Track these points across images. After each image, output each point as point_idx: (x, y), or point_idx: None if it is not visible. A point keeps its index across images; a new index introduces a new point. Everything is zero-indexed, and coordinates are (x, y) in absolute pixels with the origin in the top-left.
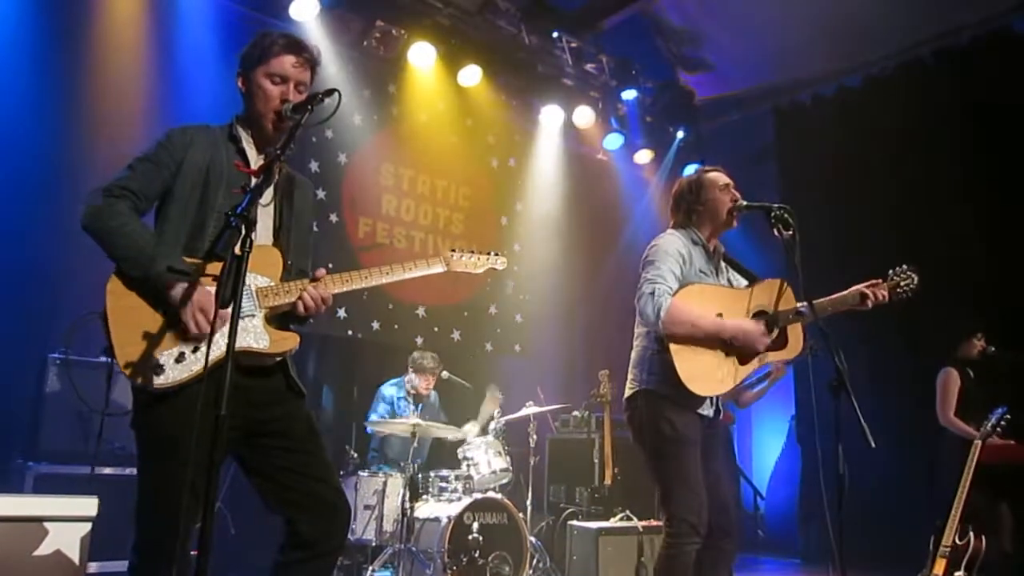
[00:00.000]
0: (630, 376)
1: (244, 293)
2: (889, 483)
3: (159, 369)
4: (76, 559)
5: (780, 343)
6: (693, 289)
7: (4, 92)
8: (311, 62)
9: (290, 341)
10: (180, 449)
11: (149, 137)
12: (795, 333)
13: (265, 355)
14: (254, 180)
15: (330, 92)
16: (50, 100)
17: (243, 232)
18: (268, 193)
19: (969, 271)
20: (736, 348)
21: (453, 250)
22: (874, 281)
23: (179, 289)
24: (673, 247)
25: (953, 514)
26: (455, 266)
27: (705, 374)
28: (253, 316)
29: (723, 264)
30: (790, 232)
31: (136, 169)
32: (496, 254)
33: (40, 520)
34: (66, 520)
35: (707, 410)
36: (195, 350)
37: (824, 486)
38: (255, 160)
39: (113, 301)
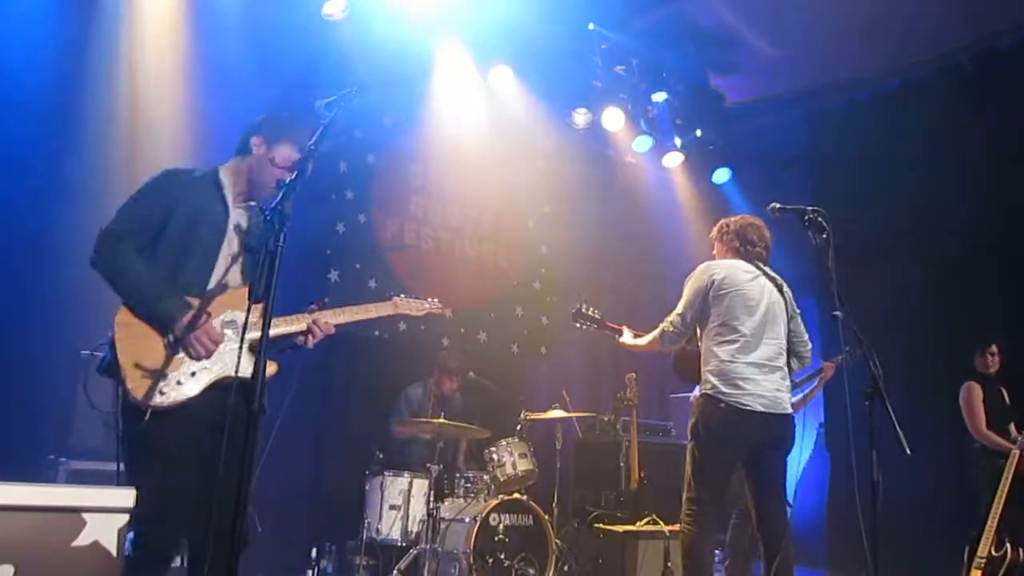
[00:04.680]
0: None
1: (227, 326)
2: (921, 492)
3: (161, 390)
4: (113, 550)
5: None
6: None
7: (45, 92)
8: None
9: (268, 368)
10: (181, 459)
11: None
12: None
13: (247, 381)
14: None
15: (359, 90)
16: (88, 100)
17: (277, 227)
18: (244, 219)
19: (1006, 278)
20: None
21: (401, 295)
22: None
23: (184, 320)
24: None
25: (989, 525)
26: (401, 308)
27: None
28: (236, 347)
29: None
30: (824, 236)
31: (131, 209)
32: (435, 300)
33: (79, 511)
34: (104, 511)
35: None
36: (192, 375)
37: (858, 494)
38: (232, 205)
39: (121, 330)
